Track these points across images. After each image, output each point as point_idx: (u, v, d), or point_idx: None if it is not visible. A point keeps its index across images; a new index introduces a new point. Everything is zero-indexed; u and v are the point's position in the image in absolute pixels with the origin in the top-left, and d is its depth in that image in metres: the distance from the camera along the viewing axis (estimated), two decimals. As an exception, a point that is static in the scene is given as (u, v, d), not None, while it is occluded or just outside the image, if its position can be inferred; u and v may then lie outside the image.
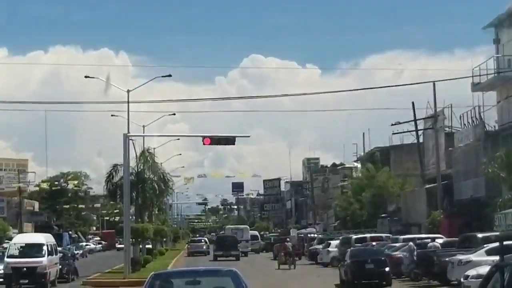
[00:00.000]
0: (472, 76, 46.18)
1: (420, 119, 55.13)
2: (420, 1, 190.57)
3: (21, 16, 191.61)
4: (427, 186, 54.12)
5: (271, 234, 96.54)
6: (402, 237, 43.55)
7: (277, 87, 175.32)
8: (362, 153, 79.30)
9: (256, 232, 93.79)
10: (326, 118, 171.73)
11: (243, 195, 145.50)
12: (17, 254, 35.05)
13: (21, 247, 35.96)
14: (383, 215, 62.65)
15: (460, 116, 51.17)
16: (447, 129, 53.76)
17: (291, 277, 42.97)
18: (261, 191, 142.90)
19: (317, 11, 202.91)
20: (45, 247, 35.41)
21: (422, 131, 56.16)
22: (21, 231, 65.91)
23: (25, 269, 33.56)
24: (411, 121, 55.44)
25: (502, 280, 7.87)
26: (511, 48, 45.12)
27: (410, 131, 56.93)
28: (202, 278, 13.24)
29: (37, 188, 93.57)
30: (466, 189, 48.27)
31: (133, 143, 45.18)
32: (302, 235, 72.16)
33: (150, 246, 59.87)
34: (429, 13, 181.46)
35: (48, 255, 34.79)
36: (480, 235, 31.68)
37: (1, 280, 34.25)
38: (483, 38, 47.69)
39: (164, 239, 78.68)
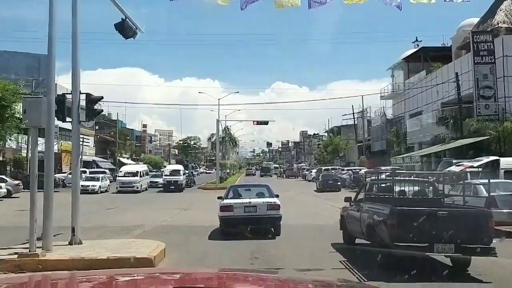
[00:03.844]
0: (380, 93, 47.51)
1: (356, 112, 53.91)
2: (353, 49, 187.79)
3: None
4: (358, 144, 53.68)
5: (283, 165, 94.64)
6: (346, 168, 44.82)
7: (289, 97, 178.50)
8: (328, 128, 77.12)
9: (277, 165, 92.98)
10: (312, 113, 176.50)
11: (271, 147, 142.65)
12: (168, 174, 35.65)
13: (170, 171, 36.67)
14: (337, 157, 62.45)
15: (375, 111, 51.79)
16: (368, 117, 53.77)
17: (290, 183, 43.89)
18: (280, 146, 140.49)
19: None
20: (181, 171, 36.50)
21: (356, 118, 54.96)
22: (169, 163, 65.55)
23: (172, 181, 34.23)
24: (351, 113, 54.63)
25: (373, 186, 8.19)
26: (399, 80, 44.48)
27: (351, 118, 56.08)
28: (251, 188, 13.63)
29: (176, 143, 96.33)
30: (376, 146, 48.67)
31: (220, 123, 45.68)
32: (299, 166, 72.43)
33: (228, 170, 59.61)
34: (362, 59, 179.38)
35: (182, 175, 35.81)
36: (383, 168, 30.96)
37: (161, 187, 35.05)
38: (386, 73, 51.07)
39: (234, 168, 75.89)
